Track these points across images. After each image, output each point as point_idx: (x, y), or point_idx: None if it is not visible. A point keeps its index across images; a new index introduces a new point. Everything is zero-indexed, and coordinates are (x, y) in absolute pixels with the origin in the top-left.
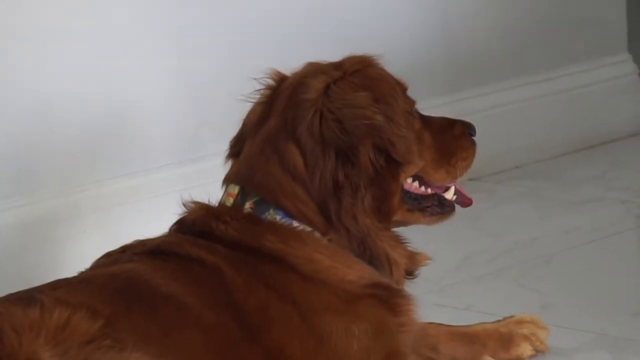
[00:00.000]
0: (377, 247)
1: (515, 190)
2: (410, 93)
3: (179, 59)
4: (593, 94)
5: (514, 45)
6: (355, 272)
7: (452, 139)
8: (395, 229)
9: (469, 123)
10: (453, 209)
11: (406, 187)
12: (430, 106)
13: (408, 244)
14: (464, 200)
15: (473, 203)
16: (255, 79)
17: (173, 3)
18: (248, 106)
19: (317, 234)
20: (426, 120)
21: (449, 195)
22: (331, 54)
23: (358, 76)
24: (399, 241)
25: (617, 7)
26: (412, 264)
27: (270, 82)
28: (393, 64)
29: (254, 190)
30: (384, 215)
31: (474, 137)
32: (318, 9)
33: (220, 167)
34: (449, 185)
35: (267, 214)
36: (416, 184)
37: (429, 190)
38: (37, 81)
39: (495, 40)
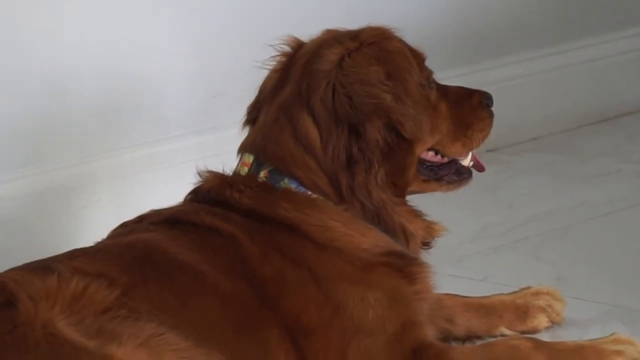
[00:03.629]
0: (393, 221)
1: (531, 162)
2: (428, 64)
3: (196, 28)
4: (609, 67)
5: (531, 17)
6: (370, 240)
7: (469, 110)
8: (410, 202)
9: (487, 93)
10: (470, 175)
11: (422, 156)
12: (446, 77)
13: (425, 216)
14: (477, 166)
15: (485, 170)
16: (271, 45)
17: None
18: (264, 74)
19: (330, 203)
20: (443, 91)
21: (466, 162)
22: (347, 25)
23: (374, 48)
24: (415, 214)
25: None
26: (429, 234)
27: (287, 49)
28: (410, 35)
29: (268, 160)
30: (399, 188)
31: (491, 108)
32: None
33: (235, 137)
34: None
35: (281, 183)
36: (432, 152)
37: (446, 159)
38: (54, 50)
39: (513, 12)
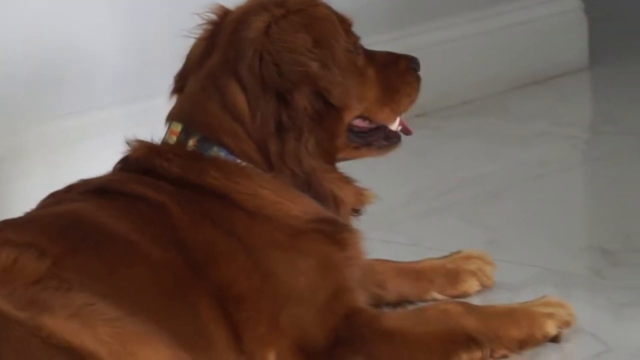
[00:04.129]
0: (324, 188)
1: (462, 126)
2: (355, 29)
3: None
4: (539, 30)
5: None
6: (300, 207)
7: (396, 75)
8: (341, 168)
9: (413, 57)
10: (399, 140)
11: (352, 123)
12: (375, 42)
13: (355, 182)
14: (404, 130)
15: (413, 132)
16: (198, 14)
17: None
18: (192, 42)
19: (260, 170)
20: (370, 56)
21: (394, 127)
22: None
23: (300, 15)
24: (346, 180)
25: None
26: (359, 201)
27: (213, 17)
28: (337, 0)
29: (196, 128)
30: (329, 155)
31: (418, 72)
32: None
33: (165, 105)
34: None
35: (210, 151)
36: (360, 119)
37: (374, 125)
38: None
39: None
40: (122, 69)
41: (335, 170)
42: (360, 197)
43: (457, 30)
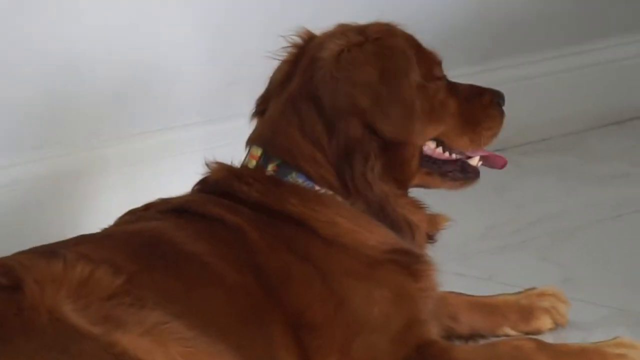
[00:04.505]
0: (397, 213)
1: (541, 163)
2: (443, 60)
3: (211, 14)
4: (623, 69)
5: (548, 17)
6: (377, 237)
7: (479, 108)
8: (413, 195)
9: (499, 92)
10: (476, 175)
11: (427, 151)
12: (462, 74)
13: (427, 207)
14: (496, 161)
15: (507, 163)
16: (283, 36)
17: None
18: (276, 64)
19: (338, 198)
20: (454, 88)
21: (474, 162)
22: (361, 18)
23: (376, 45)
24: (417, 206)
25: None
26: (433, 226)
27: (298, 40)
28: (423, 31)
29: (276, 153)
30: (401, 180)
31: (503, 107)
32: None
33: (247, 127)
34: (475, 153)
35: (289, 177)
36: (440, 149)
37: (453, 156)
38: (69, 35)
39: (529, 11)
40: (205, 88)
41: (406, 195)
42: (434, 222)
43: (541, 66)
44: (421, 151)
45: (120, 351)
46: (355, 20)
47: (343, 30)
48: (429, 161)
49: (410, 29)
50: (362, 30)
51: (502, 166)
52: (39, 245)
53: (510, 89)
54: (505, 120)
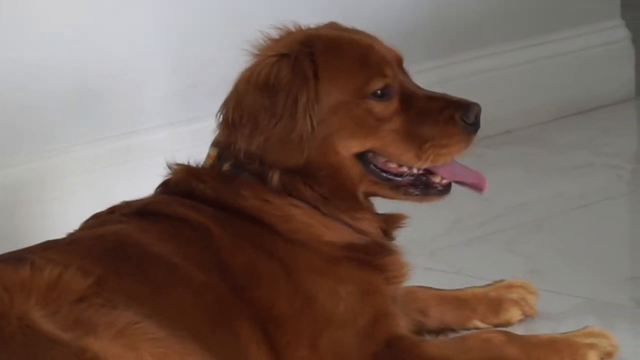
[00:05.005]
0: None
1: (505, 155)
2: (405, 56)
3: (173, 18)
4: (585, 60)
5: (507, 9)
6: (333, 233)
7: (432, 123)
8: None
9: (469, 106)
10: (440, 192)
11: (376, 162)
12: (421, 69)
13: (375, 211)
14: (473, 184)
15: (485, 188)
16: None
17: None
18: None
19: None
20: (408, 101)
21: (436, 178)
22: (320, 17)
23: (318, 57)
24: (365, 214)
25: None
26: (390, 225)
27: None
28: (386, 27)
29: (230, 155)
30: (341, 189)
31: (471, 123)
32: None
33: (211, 129)
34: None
35: (242, 175)
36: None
37: (414, 170)
38: (31, 41)
39: (488, 4)
40: (168, 91)
41: (350, 208)
42: (389, 222)
43: (503, 59)
44: (355, 163)
45: (91, 357)
46: (314, 19)
47: (264, 47)
48: (377, 172)
49: (372, 25)
50: (309, 41)
51: (482, 190)
52: (5, 253)
53: (473, 82)
54: None
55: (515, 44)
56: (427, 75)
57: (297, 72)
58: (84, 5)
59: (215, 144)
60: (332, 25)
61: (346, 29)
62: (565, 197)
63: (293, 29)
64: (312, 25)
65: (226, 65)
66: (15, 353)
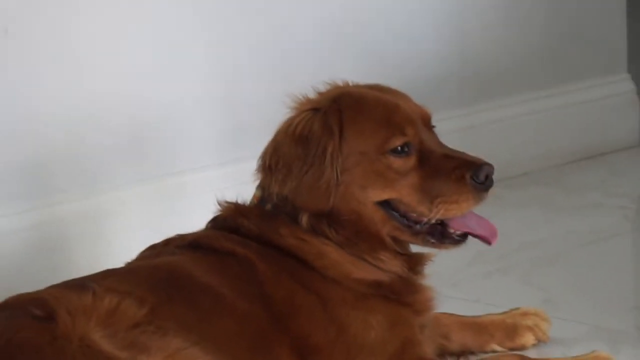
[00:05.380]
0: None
1: (522, 195)
2: (429, 105)
3: (222, 61)
4: (594, 109)
5: (526, 62)
6: (360, 271)
7: (444, 181)
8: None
9: (478, 167)
10: (456, 242)
11: (399, 211)
12: (446, 117)
13: (402, 250)
14: (484, 238)
15: (494, 241)
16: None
17: (214, 13)
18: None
19: None
20: (425, 158)
21: (452, 229)
22: (359, 69)
23: (298, 128)
24: (387, 254)
25: (619, 29)
26: (417, 264)
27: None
28: (413, 80)
29: (272, 196)
30: (367, 233)
31: (482, 181)
32: (350, 33)
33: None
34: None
35: (281, 215)
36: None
37: (424, 218)
38: (92, 82)
39: (510, 57)
40: (217, 133)
41: (384, 247)
42: (416, 261)
43: (521, 108)
44: (378, 210)
45: None
46: (351, 70)
47: (302, 101)
48: (398, 218)
49: (400, 79)
50: (318, 102)
51: (490, 243)
52: (70, 280)
53: (494, 129)
54: (489, 157)
55: (531, 94)
56: (453, 122)
57: (326, 126)
58: (140, 52)
59: (260, 185)
60: (372, 85)
61: (381, 88)
62: (577, 233)
63: (340, 84)
64: (357, 82)
65: (272, 109)
66: None
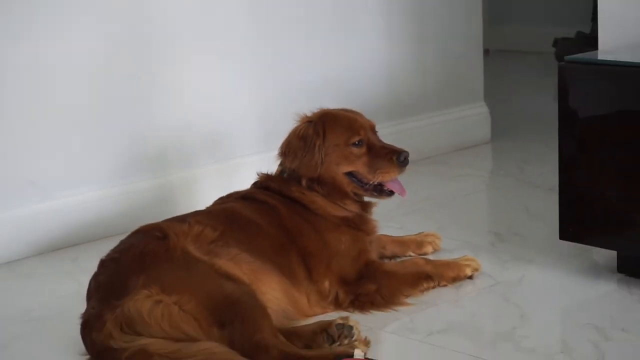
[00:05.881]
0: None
1: (427, 169)
2: (374, 118)
3: (264, 90)
4: (465, 122)
5: (423, 94)
6: (335, 211)
7: (382, 160)
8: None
9: (400, 153)
10: (389, 194)
11: (359, 178)
12: (384, 126)
13: (359, 202)
14: (399, 191)
15: (405, 195)
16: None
17: (249, 44)
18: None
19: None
20: (372, 147)
21: (389, 186)
22: (334, 100)
23: (302, 129)
24: (351, 202)
25: (477, 70)
26: (367, 208)
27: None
28: (365, 104)
29: (285, 169)
30: (339, 190)
31: (401, 160)
32: (333, 78)
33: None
34: (387, 183)
35: (291, 180)
36: (364, 178)
37: (374, 182)
38: (182, 100)
39: (414, 92)
40: (255, 133)
41: (348, 197)
42: (365, 207)
43: (424, 121)
44: (344, 177)
45: (217, 268)
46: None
47: (303, 116)
48: (356, 182)
49: (358, 104)
50: (311, 118)
51: (403, 196)
52: (176, 216)
53: (410, 132)
54: (409, 147)
55: (428, 113)
56: (388, 129)
57: (316, 130)
58: (210, 74)
59: (280, 164)
60: (342, 108)
61: (347, 110)
62: (457, 191)
63: (324, 108)
64: (331, 107)
65: (288, 122)
66: (180, 267)
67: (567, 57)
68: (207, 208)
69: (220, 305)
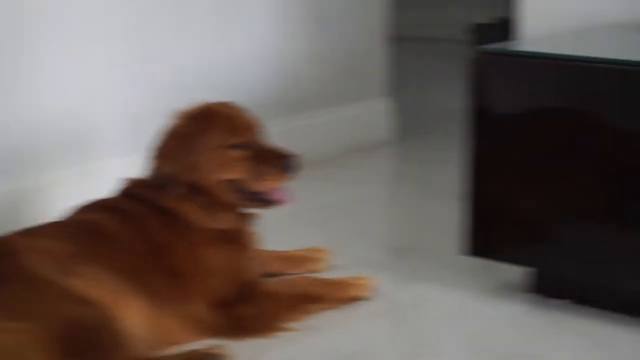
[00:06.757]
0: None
1: (321, 173)
2: (262, 115)
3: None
4: (366, 120)
5: (320, 89)
6: (212, 223)
7: (267, 166)
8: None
9: (287, 158)
10: (270, 205)
11: (241, 187)
12: (272, 124)
13: (241, 211)
14: (279, 200)
15: (284, 203)
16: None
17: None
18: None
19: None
20: (258, 150)
21: (271, 196)
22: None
23: (178, 129)
24: (231, 213)
25: (379, 59)
26: (248, 219)
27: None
28: (254, 99)
29: (160, 174)
30: (218, 202)
31: (289, 167)
32: (222, 72)
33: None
34: (272, 192)
35: (165, 187)
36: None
37: (259, 189)
38: (38, 92)
39: (310, 87)
40: (128, 129)
41: (224, 209)
42: (247, 218)
43: (319, 118)
44: (224, 185)
45: (72, 290)
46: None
47: (182, 113)
48: (240, 192)
49: (247, 98)
50: (189, 114)
51: (282, 203)
52: (25, 228)
53: (303, 130)
54: (302, 148)
55: (325, 109)
56: (277, 127)
57: (196, 129)
58: (64, 61)
59: (152, 167)
60: (225, 102)
61: (229, 106)
62: (352, 197)
63: (203, 104)
64: (216, 101)
65: (162, 118)
66: (28, 288)
67: (481, 48)
68: (65, 219)
69: (73, 334)
